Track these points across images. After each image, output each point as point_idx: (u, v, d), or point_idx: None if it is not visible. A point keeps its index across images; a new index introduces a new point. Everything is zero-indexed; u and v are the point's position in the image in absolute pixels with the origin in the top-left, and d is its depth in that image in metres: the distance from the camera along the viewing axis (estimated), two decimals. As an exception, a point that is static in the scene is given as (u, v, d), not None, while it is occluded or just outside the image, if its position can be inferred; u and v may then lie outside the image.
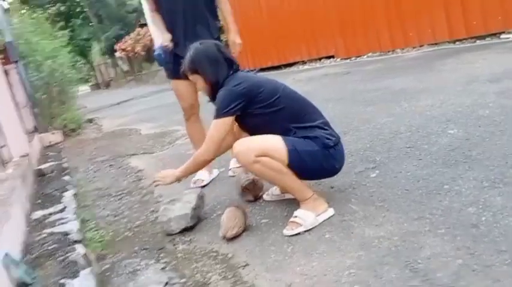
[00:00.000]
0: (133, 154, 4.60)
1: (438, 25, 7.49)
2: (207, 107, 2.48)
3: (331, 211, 2.15)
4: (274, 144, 2.06)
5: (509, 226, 1.67)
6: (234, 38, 3.03)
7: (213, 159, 2.35)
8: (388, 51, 8.34)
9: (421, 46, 7.82)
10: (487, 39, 6.80)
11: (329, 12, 9.20)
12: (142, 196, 3.15)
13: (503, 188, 1.97)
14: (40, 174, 3.93)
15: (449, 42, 7.39)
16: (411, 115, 3.49)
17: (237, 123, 2.32)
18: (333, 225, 2.04)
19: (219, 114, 2.16)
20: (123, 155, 4.67)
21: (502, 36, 6.62)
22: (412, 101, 3.95)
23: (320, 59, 9.75)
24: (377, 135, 3.19)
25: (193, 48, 2.30)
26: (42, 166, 4.12)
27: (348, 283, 1.57)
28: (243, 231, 2.19)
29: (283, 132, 2.11)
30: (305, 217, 2.07)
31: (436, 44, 7.57)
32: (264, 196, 2.56)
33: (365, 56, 8.69)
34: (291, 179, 2.10)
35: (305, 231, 2.04)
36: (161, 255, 2.14)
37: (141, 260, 2.11)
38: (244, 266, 1.89)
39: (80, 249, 1.94)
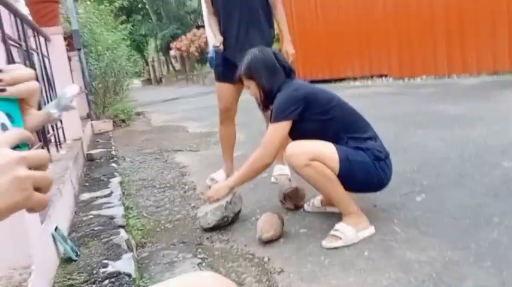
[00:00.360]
0: (178, 150, 4.71)
1: (500, 53, 7.23)
2: (247, 112, 2.51)
3: (372, 229, 2.12)
4: (327, 150, 2.06)
5: (561, 268, 1.59)
6: (287, 47, 3.05)
7: (271, 164, 2.33)
8: (444, 76, 8.13)
9: (479, 74, 7.58)
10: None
11: (387, 30, 9.07)
12: (184, 191, 3.21)
13: (558, 228, 1.88)
14: (90, 158, 4.09)
15: (510, 73, 7.12)
16: (464, 142, 3.39)
17: None
18: (373, 243, 2.01)
19: (279, 117, 2.18)
20: (169, 150, 4.78)
21: None
22: (465, 128, 3.84)
23: (372, 76, 9.63)
24: (426, 158, 3.11)
25: (251, 54, 2.35)
26: (93, 151, 4.28)
27: (384, 303, 1.55)
28: (279, 237, 2.20)
29: (335, 140, 2.12)
30: (346, 231, 2.06)
31: (495, 73, 7.32)
32: (305, 206, 2.55)
33: (419, 79, 8.51)
34: (339, 190, 2.09)
35: (344, 246, 2.02)
36: (198, 250, 2.18)
37: (178, 252, 2.15)
38: (280, 272, 1.89)
39: (123, 233, 2.00)
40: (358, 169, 2.07)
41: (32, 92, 0.51)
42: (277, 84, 2.27)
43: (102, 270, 1.60)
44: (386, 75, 9.36)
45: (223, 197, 2.42)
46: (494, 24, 7.22)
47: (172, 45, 23.11)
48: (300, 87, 2.21)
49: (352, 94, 7.65)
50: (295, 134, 2.24)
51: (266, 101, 2.33)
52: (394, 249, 1.93)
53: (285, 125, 2.17)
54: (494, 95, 5.36)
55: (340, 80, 10.18)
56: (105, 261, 1.67)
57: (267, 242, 2.16)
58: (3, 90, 0.48)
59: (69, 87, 0.78)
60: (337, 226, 2.10)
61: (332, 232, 2.09)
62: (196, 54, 20.88)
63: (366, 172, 2.08)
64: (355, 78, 9.92)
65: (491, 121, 3.97)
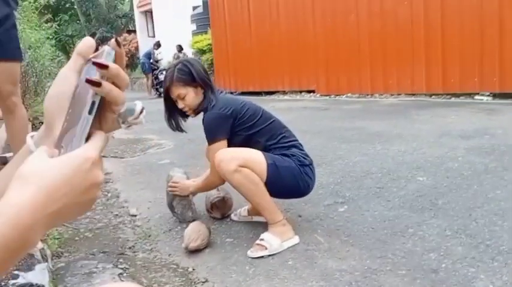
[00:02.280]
0: (103, 156, 4.48)
1: (418, 77, 7.77)
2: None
3: (296, 239, 2.16)
4: (255, 157, 2.11)
5: (467, 276, 1.71)
6: None
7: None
8: (367, 95, 8.57)
9: (399, 94, 8.08)
10: (461, 97, 7.08)
11: (316, 48, 9.41)
12: (107, 199, 3.09)
13: (465, 239, 2.03)
14: (3, 162, 3.80)
15: (425, 95, 7.66)
16: (383, 158, 3.57)
17: None
18: (297, 253, 2.05)
19: (214, 138, 2.21)
20: (92, 156, 4.57)
21: (476, 97, 6.91)
22: (385, 144, 4.05)
23: (301, 91, 9.92)
24: (349, 172, 3.24)
25: (188, 60, 2.34)
26: (7, 154, 3.98)
27: (306, 312, 1.58)
28: (206, 247, 2.17)
29: (262, 150, 2.18)
30: (271, 241, 2.08)
31: (413, 94, 7.84)
32: (232, 216, 2.55)
33: (344, 96, 8.89)
34: (266, 198, 2.12)
35: (269, 255, 2.04)
36: (120, 260, 2.09)
37: (98, 262, 2.05)
38: (204, 282, 1.87)
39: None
40: (285, 174, 2.13)
41: (119, 101, 0.49)
42: (215, 95, 2.27)
43: (12, 281, 1.48)
44: (314, 91, 9.68)
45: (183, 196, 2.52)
46: (412, 51, 7.76)
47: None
48: (229, 105, 2.23)
49: (281, 107, 7.82)
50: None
51: (202, 110, 2.30)
52: (317, 258, 1.98)
53: (221, 144, 2.20)
54: (411, 114, 5.72)
55: (271, 93, 10.38)
56: (16, 272, 1.54)
57: (193, 252, 2.12)
58: (99, 84, 0.46)
59: (137, 103, 0.75)
60: (263, 235, 2.12)
61: (258, 242, 2.10)
62: (126, 59, 20.32)
63: (292, 177, 2.15)
64: (285, 92, 10.16)
65: (408, 138, 4.23)
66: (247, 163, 2.06)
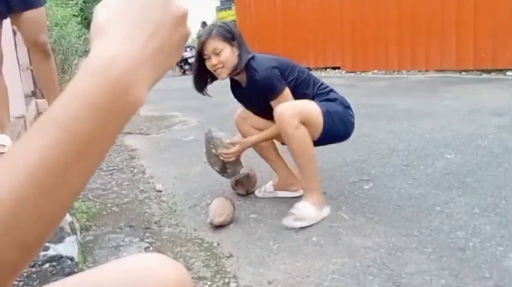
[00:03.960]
0: (128, 133, 4.57)
1: (447, 53, 7.54)
2: (198, 96, 2.45)
3: (328, 209, 2.18)
4: (312, 108, 2.14)
5: (495, 255, 1.68)
6: None
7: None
8: (394, 71, 8.39)
9: (427, 71, 7.87)
10: (493, 73, 6.85)
11: (342, 23, 9.22)
12: (133, 174, 3.13)
13: (494, 217, 1.98)
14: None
15: (455, 71, 7.44)
16: (410, 135, 3.50)
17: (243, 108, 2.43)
18: (322, 229, 2.04)
19: (280, 90, 2.18)
20: (118, 133, 4.64)
21: (508, 73, 6.67)
22: (413, 121, 3.97)
23: (326, 68, 9.77)
24: (375, 149, 3.20)
25: (219, 22, 2.33)
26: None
27: (330, 287, 1.58)
28: (230, 222, 2.19)
29: (306, 99, 2.21)
30: (309, 211, 2.10)
31: (442, 71, 7.62)
32: (256, 192, 2.55)
33: (370, 73, 8.72)
34: (312, 163, 2.15)
35: (306, 226, 2.07)
36: (146, 234, 2.13)
37: (125, 236, 2.10)
38: (228, 257, 1.88)
39: (66, 216, 1.92)
40: (337, 119, 2.20)
41: None
42: (249, 54, 2.25)
43: (42, 253, 1.52)
44: (339, 68, 9.53)
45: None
46: (443, 26, 7.51)
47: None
48: (270, 63, 2.22)
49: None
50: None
51: (236, 68, 2.23)
52: (341, 235, 1.97)
53: (288, 91, 2.20)
54: (440, 91, 5.58)
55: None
56: (47, 244, 1.59)
57: (218, 227, 2.15)
58: None
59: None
60: (300, 205, 2.13)
61: (294, 211, 2.11)
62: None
63: (342, 122, 2.23)
64: (309, 69, 10.03)
65: (436, 116, 4.13)
66: (308, 116, 2.09)
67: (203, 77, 2.34)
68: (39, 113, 6.10)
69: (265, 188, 2.52)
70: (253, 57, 2.23)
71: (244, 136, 2.44)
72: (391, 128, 3.80)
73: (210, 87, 2.42)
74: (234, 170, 2.46)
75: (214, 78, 2.33)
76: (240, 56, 2.21)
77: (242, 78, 2.29)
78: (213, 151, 2.37)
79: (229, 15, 13.78)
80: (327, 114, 2.15)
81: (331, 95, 2.29)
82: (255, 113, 2.41)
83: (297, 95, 2.23)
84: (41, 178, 0.33)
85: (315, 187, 2.17)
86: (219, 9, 15.54)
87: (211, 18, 14.55)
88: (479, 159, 2.77)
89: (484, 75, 6.86)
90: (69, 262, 1.49)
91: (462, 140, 3.22)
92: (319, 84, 2.32)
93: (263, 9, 10.97)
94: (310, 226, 2.07)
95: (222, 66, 2.20)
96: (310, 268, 1.73)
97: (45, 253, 1.53)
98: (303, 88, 2.26)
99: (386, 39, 8.44)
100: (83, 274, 0.70)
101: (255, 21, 11.06)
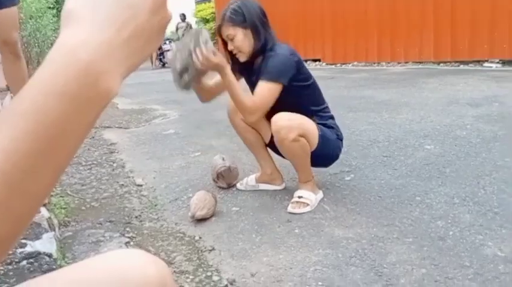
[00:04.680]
0: (107, 127, 4.51)
1: (426, 45, 7.63)
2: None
3: (321, 193, 2.27)
4: (311, 128, 2.12)
5: (474, 243, 1.70)
6: None
7: (249, 122, 2.24)
8: (374, 63, 8.45)
9: (406, 62, 7.95)
10: (470, 65, 6.97)
11: (322, 16, 9.24)
12: (112, 168, 3.08)
13: (473, 206, 2.01)
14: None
15: (433, 62, 7.54)
16: (390, 126, 3.53)
17: None
18: (304, 221, 2.04)
19: (277, 78, 2.05)
20: (97, 127, 4.56)
21: (485, 64, 6.79)
22: (392, 113, 4.00)
23: (306, 60, 9.79)
24: (355, 141, 3.21)
25: (245, 2, 2.15)
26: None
27: (313, 279, 1.58)
28: (212, 216, 2.18)
29: (305, 113, 2.14)
30: (310, 196, 2.17)
31: (421, 62, 7.71)
32: (238, 185, 2.54)
33: (350, 64, 8.77)
34: (308, 162, 2.18)
35: (309, 211, 2.13)
36: (126, 229, 2.09)
37: (105, 231, 2.06)
38: (210, 250, 1.87)
39: (44, 212, 1.88)
40: (329, 146, 2.20)
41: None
42: (272, 39, 2.15)
43: (19, 250, 1.49)
44: (319, 60, 9.55)
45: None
46: (421, 18, 7.59)
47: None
48: (294, 52, 2.15)
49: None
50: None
51: (255, 53, 2.15)
52: (323, 226, 1.98)
53: (279, 88, 2.06)
54: (419, 83, 5.64)
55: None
56: (24, 241, 1.55)
57: (199, 221, 2.13)
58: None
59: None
60: (300, 193, 2.19)
61: (296, 199, 2.17)
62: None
63: (332, 150, 2.24)
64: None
65: (415, 107, 4.18)
66: (305, 132, 2.07)
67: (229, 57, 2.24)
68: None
69: (247, 181, 2.50)
70: (274, 41, 2.15)
71: (236, 129, 2.42)
72: (371, 119, 3.83)
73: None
74: (190, 80, 2.07)
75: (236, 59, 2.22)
76: (258, 39, 2.11)
77: (258, 60, 2.20)
78: (191, 45, 2.00)
79: (208, 8, 13.66)
80: (322, 138, 2.15)
81: (330, 122, 2.26)
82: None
83: (302, 107, 2.14)
84: (8, 173, 0.31)
85: (310, 176, 2.24)
86: (198, 2, 15.39)
87: (190, 10, 14.39)
88: (457, 149, 2.81)
89: (462, 67, 6.97)
90: (47, 258, 1.45)
91: (441, 130, 3.26)
92: (325, 106, 2.29)
93: (243, 1, 10.92)
94: (292, 218, 2.08)
95: (239, 51, 2.15)
96: (292, 259, 1.72)
97: (22, 249, 1.50)
98: (310, 102, 2.21)
99: (366, 31, 8.49)
100: (60, 270, 0.68)
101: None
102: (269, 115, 2.13)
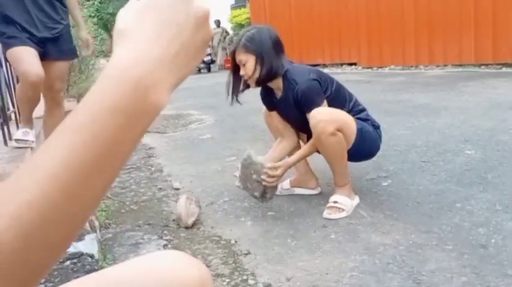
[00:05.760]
0: (146, 132, 4.62)
1: (466, 46, 7.42)
2: (214, 95, 2.45)
3: (357, 198, 2.25)
4: (350, 122, 2.14)
5: (518, 252, 1.65)
6: (86, 35, 2.91)
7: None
8: (411, 67, 8.28)
9: (445, 65, 7.76)
10: (511, 67, 6.73)
11: (357, 19, 9.15)
12: (151, 173, 3.16)
13: (516, 214, 1.94)
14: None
15: (474, 65, 7.32)
16: (429, 131, 3.46)
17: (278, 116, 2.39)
18: (340, 227, 2.03)
19: (321, 103, 2.14)
20: (135, 131, 4.68)
21: (529, 66, 6.54)
22: (431, 117, 3.92)
23: (342, 64, 9.71)
24: (392, 145, 3.16)
25: (255, 28, 2.26)
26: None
27: (349, 285, 1.57)
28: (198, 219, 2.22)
29: None
30: (345, 202, 2.16)
31: (461, 65, 7.51)
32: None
33: (387, 68, 8.63)
34: (344, 163, 2.18)
35: (345, 217, 2.12)
36: (164, 232, 2.14)
37: (144, 234, 2.11)
38: (246, 254, 1.88)
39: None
40: (367, 139, 2.20)
41: None
42: (282, 63, 2.21)
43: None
44: (355, 64, 9.46)
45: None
46: (460, 18, 7.39)
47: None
48: (311, 72, 2.22)
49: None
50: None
51: (262, 80, 2.23)
52: (360, 232, 1.96)
53: (326, 105, 2.18)
54: (458, 86, 5.49)
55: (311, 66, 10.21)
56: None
57: (188, 228, 2.16)
58: None
59: None
60: (335, 198, 2.18)
61: (332, 204, 2.16)
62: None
63: (371, 142, 2.24)
64: (325, 65, 9.98)
65: (455, 111, 4.07)
66: (344, 125, 2.09)
67: (235, 81, 2.32)
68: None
69: (282, 185, 2.51)
70: (288, 69, 2.21)
71: (272, 131, 2.48)
72: (409, 124, 3.76)
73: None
74: (272, 194, 2.30)
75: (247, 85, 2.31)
76: (265, 67, 2.17)
77: (278, 85, 2.27)
78: (254, 176, 2.22)
79: (244, 13, 13.77)
80: (360, 131, 2.15)
81: (363, 115, 2.28)
82: (289, 123, 2.40)
83: (332, 107, 2.20)
84: (64, 180, 0.34)
85: (347, 181, 2.22)
86: (233, 7, 15.53)
87: (225, 16, 14.56)
88: (500, 154, 2.72)
89: (504, 69, 6.74)
90: (90, 259, 1.51)
91: (482, 135, 3.17)
92: (354, 101, 2.31)
93: (277, 6, 10.95)
94: (328, 223, 2.07)
95: (248, 77, 2.22)
96: (328, 265, 1.72)
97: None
98: (339, 103, 2.22)
99: (403, 34, 8.35)
100: (103, 271, 0.70)
101: (270, 18, 11.04)
102: (298, 128, 2.33)
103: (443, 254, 1.69)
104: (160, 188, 2.79)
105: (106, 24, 28.25)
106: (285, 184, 2.51)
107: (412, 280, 1.55)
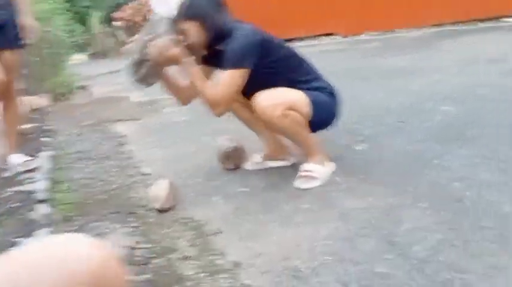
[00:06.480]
0: (118, 120, 4.47)
1: (439, 6, 7.31)
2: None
3: (333, 165, 2.13)
4: (299, 98, 1.99)
5: (493, 202, 1.58)
6: (29, 21, 2.63)
7: (218, 114, 2.09)
8: (388, 31, 8.17)
9: (421, 27, 7.65)
10: (487, 22, 6.64)
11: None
12: (121, 160, 3.04)
13: (493, 165, 1.87)
14: (21, 134, 3.80)
15: (450, 23, 7.23)
16: (405, 93, 3.37)
17: None
18: (313, 196, 1.94)
19: (239, 64, 1.94)
20: (108, 121, 4.54)
21: (503, 19, 6.46)
22: (407, 79, 3.83)
23: (318, 35, 9.55)
24: (367, 110, 3.07)
25: None
26: (23, 127, 3.98)
27: (322, 253, 1.48)
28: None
29: (289, 85, 2.02)
30: (317, 170, 2.05)
31: (436, 25, 7.41)
32: (245, 166, 2.45)
33: (363, 35, 8.51)
34: (307, 134, 2.06)
35: (319, 185, 2.01)
36: (132, 219, 2.04)
37: (110, 223, 2.01)
38: (217, 233, 1.79)
39: (43, 208, 1.83)
40: (325, 108, 2.06)
41: None
42: (227, 22, 2.02)
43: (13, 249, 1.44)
44: (332, 34, 9.31)
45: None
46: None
47: (114, 15, 22.03)
48: (256, 32, 2.01)
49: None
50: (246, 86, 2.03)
51: (210, 46, 2.05)
52: (334, 199, 1.87)
53: (244, 74, 1.96)
54: (434, 45, 5.41)
55: (287, 40, 10.05)
56: (17, 239, 1.50)
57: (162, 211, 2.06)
58: None
59: None
60: (308, 166, 2.06)
61: (304, 173, 2.04)
62: (143, 24, 20.02)
63: (329, 110, 2.10)
64: (301, 38, 9.80)
65: (432, 70, 3.99)
66: (293, 104, 1.94)
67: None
68: (30, 110, 6.01)
69: (254, 160, 2.41)
70: (236, 23, 2.04)
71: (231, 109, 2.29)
72: (383, 87, 3.67)
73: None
74: (146, 73, 2.01)
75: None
76: (208, 29, 2.01)
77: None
78: (148, 36, 1.99)
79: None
80: (314, 104, 2.01)
81: (318, 83, 2.11)
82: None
83: (279, 78, 2.04)
84: None
85: (316, 149, 2.11)
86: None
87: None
88: (480, 107, 2.65)
89: (480, 25, 6.65)
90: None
91: (460, 91, 3.09)
92: (306, 69, 2.13)
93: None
94: (302, 193, 1.98)
95: (197, 45, 2.07)
96: (301, 236, 1.63)
97: (13, 249, 1.44)
98: (287, 71, 2.06)
99: (377, -1, 8.21)
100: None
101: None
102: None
103: (418, 212, 1.61)
104: (131, 175, 2.68)
105: (82, 18, 27.62)
106: (256, 159, 2.41)
107: (386, 242, 1.47)
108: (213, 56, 2.12)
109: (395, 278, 1.27)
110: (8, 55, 2.48)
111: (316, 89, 2.08)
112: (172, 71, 2.16)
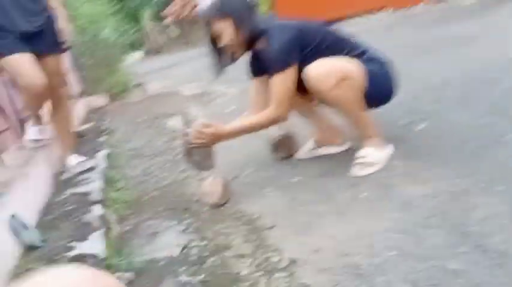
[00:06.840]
0: (171, 114, 4.50)
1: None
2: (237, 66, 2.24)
3: (391, 147, 1.99)
4: (352, 66, 1.86)
5: None
6: (63, 25, 2.56)
7: (286, 118, 2.03)
8: (441, 1, 7.69)
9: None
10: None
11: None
12: (174, 155, 3.03)
13: None
14: (78, 135, 3.91)
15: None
16: (465, 63, 3.10)
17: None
18: (371, 183, 1.81)
19: (284, 63, 1.88)
20: (161, 116, 4.58)
21: None
22: (465, 48, 3.54)
23: (370, 11, 9.15)
24: (426, 85, 2.85)
25: None
26: (81, 128, 4.10)
27: (384, 248, 1.36)
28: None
29: None
30: (374, 155, 1.93)
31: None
32: (297, 155, 2.35)
33: (419, 6, 8.06)
34: (363, 111, 1.93)
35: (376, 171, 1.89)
36: (185, 216, 2.01)
37: (163, 221, 1.99)
38: (271, 227, 1.71)
39: (97, 210, 1.83)
40: (380, 81, 1.92)
41: None
42: (260, 23, 1.96)
43: (67, 254, 1.44)
44: (384, 8, 8.90)
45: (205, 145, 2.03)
46: None
47: (164, 11, 22.37)
48: (290, 26, 1.93)
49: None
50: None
51: (244, 46, 2.02)
52: (394, 186, 1.73)
53: (292, 71, 1.89)
54: (493, 12, 4.98)
55: (335, 21, 9.72)
56: (72, 244, 1.50)
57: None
58: None
59: None
60: (363, 152, 1.95)
61: (360, 160, 1.93)
62: (192, 16, 20.20)
63: (385, 82, 1.97)
64: (350, 17, 9.45)
65: (491, 38, 3.66)
66: (346, 74, 1.82)
67: (218, 57, 2.12)
68: (88, 110, 6.22)
69: (307, 146, 2.30)
70: (269, 27, 1.94)
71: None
72: (442, 59, 3.41)
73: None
74: (203, 160, 2.06)
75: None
76: (243, 30, 1.95)
77: (264, 46, 1.99)
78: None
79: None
80: (370, 72, 1.88)
81: (368, 54, 1.97)
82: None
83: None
84: None
85: (372, 132, 1.97)
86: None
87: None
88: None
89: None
90: (93, 259, 1.38)
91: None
92: (352, 45, 1.98)
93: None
94: (358, 181, 1.85)
95: (231, 47, 2.02)
96: (360, 229, 1.51)
97: (69, 253, 1.45)
98: (333, 51, 1.92)
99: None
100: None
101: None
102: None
103: (493, 198, 1.44)
104: (183, 170, 2.66)
105: (134, 16, 28.25)
106: (309, 145, 2.30)
107: (458, 233, 1.32)
108: (256, 58, 2.10)
109: (473, 275, 1.13)
110: (50, 60, 2.50)
111: (370, 60, 1.94)
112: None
